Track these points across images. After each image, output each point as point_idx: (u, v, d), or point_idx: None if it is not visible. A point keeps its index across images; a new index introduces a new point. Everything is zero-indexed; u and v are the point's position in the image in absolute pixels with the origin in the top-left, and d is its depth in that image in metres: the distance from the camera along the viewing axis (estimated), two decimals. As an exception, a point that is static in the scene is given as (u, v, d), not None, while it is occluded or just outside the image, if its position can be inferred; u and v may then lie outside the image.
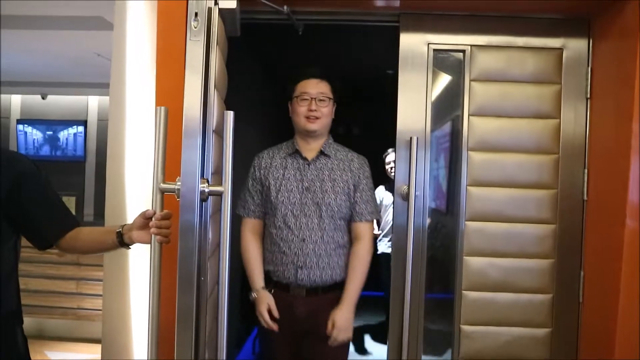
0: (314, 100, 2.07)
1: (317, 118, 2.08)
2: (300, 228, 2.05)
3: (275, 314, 2.02)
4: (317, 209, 2.05)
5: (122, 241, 1.56)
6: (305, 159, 2.13)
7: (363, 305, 2.29)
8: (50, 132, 5.63)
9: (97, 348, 2.20)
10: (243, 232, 2.15)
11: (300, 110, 2.09)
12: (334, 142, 2.21)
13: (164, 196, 1.47)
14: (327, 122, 2.13)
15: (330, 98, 2.11)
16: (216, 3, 1.56)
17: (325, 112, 2.10)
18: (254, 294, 2.06)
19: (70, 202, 5.37)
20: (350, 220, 2.13)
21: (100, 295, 4.06)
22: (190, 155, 1.45)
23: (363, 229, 2.12)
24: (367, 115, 6.15)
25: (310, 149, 2.15)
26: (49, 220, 1.59)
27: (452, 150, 2.29)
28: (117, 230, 1.56)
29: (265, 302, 2.03)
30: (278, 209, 2.07)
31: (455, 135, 2.23)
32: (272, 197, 2.08)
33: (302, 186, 2.08)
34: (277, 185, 2.09)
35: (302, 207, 2.06)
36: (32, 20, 3.54)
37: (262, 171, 2.14)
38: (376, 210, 2.18)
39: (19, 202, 1.51)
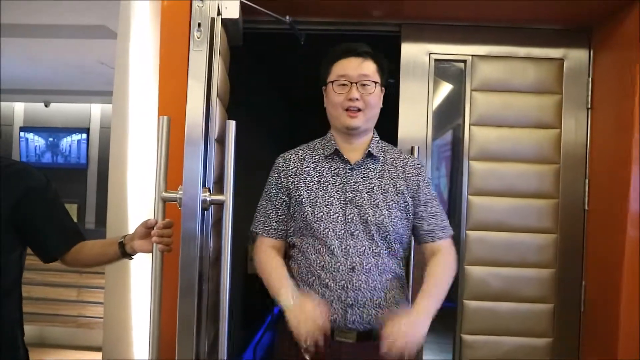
0: (356, 86, 1.57)
1: (359, 110, 1.58)
2: (347, 253, 1.54)
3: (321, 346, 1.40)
4: (365, 228, 1.56)
5: (125, 252, 1.56)
6: (347, 161, 1.63)
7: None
8: (53, 140, 5.65)
9: (98, 356, 2.20)
10: (260, 249, 1.68)
11: (338, 99, 1.59)
12: (381, 140, 1.71)
13: (166, 205, 1.47)
14: (374, 114, 1.63)
15: (376, 82, 1.59)
16: (219, 13, 1.58)
17: (372, 101, 1.59)
18: (290, 300, 1.46)
19: (72, 209, 5.37)
20: (420, 243, 1.66)
21: (101, 303, 4.05)
22: (192, 164, 1.46)
23: (441, 248, 1.61)
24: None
25: (352, 149, 1.65)
26: (55, 235, 1.59)
27: (453, 159, 2.30)
28: (119, 241, 1.56)
29: (318, 321, 1.39)
30: (315, 228, 1.57)
31: (456, 144, 2.24)
32: (305, 212, 1.59)
33: (345, 197, 1.59)
34: (312, 197, 1.60)
35: (346, 225, 1.56)
36: (36, 29, 3.56)
37: (289, 177, 1.65)
38: (448, 225, 1.67)
39: (26, 215, 1.51)
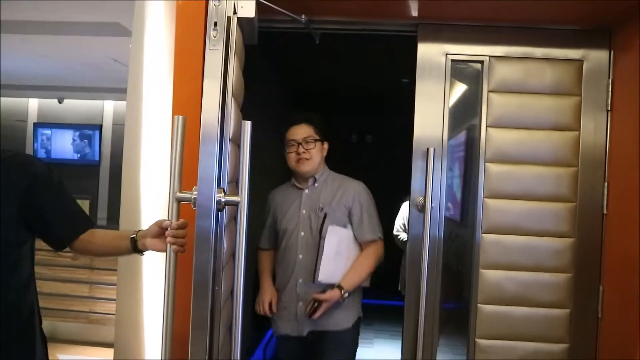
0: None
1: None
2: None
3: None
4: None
5: (136, 247, 1.56)
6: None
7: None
8: (66, 135, 5.69)
9: (109, 352, 2.21)
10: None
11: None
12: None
13: (180, 205, 1.46)
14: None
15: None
16: (235, 12, 1.57)
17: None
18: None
19: (84, 205, 5.38)
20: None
21: (113, 300, 4.08)
22: (208, 165, 1.45)
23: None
24: (381, 123, 6.14)
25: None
26: (64, 221, 1.60)
27: (468, 161, 2.27)
28: (132, 236, 1.56)
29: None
30: None
31: (471, 145, 2.21)
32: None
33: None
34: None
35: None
36: (50, 26, 3.58)
37: None
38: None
39: (33, 204, 1.52)
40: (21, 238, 1.53)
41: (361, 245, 2.36)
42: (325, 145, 2.41)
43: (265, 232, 2.51)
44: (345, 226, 2.32)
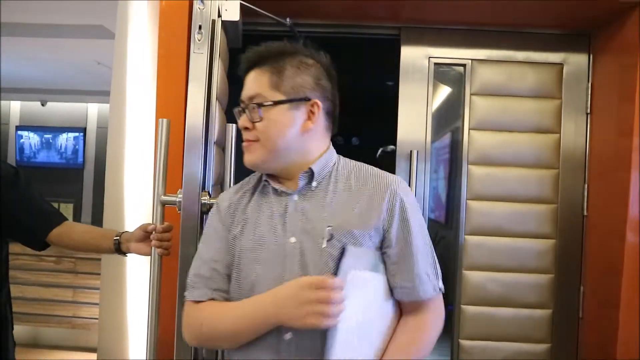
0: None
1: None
2: None
3: None
4: None
5: (119, 248, 1.56)
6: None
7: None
8: (49, 139, 5.62)
9: (92, 357, 2.19)
10: None
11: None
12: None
13: (165, 208, 1.46)
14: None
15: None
16: (219, 15, 1.57)
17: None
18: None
19: (67, 209, 5.35)
20: None
21: (96, 304, 4.04)
22: (192, 168, 1.45)
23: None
24: (366, 125, 6.16)
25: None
26: (34, 218, 1.62)
27: (452, 163, 2.29)
28: (115, 238, 1.56)
29: None
30: None
31: (455, 148, 2.23)
32: None
33: None
34: None
35: None
36: (33, 28, 3.55)
37: None
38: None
39: (2, 205, 1.53)
40: None
41: (399, 303, 1.20)
42: (313, 109, 1.17)
43: (204, 271, 1.18)
44: (375, 268, 1.16)
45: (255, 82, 1.17)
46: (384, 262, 1.17)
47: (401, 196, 1.16)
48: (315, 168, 1.17)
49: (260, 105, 1.14)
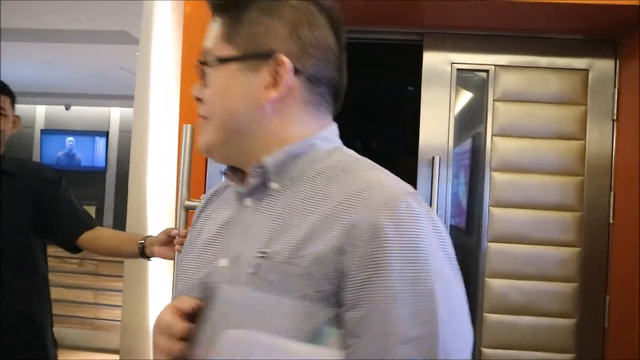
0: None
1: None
2: None
3: None
4: None
5: (143, 252, 1.59)
6: None
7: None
8: (73, 142, 5.72)
9: (113, 357, 2.21)
10: None
11: None
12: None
13: (188, 212, 1.47)
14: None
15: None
16: (243, 21, 1.58)
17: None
18: None
19: (90, 211, 5.38)
20: None
21: (118, 306, 4.08)
22: (216, 172, 1.46)
23: None
24: (385, 129, 6.14)
25: None
26: (69, 219, 1.73)
27: (473, 169, 2.27)
28: (140, 242, 1.59)
29: None
30: None
31: (477, 154, 2.21)
32: None
33: None
34: None
35: None
36: (57, 34, 3.62)
37: None
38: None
39: (46, 206, 1.64)
40: (37, 241, 1.61)
41: None
42: (278, 69, 0.74)
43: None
44: (312, 337, 0.64)
45: (209, 34, 0.81)
46: (341, 322, 0.65)
47: (382, 226, 0.64)
48: (270, 162, 0.74)
49: (203, 64, 0.79)
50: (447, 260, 0.70)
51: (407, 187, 0.71)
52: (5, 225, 1.55)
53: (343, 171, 0.73)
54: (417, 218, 0.66)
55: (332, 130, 0.81)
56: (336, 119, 0.82)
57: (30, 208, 1.61)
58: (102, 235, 1.71)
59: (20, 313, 1.58)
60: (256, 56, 0.74)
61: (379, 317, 0.62)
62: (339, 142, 0.82)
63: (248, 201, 0.78)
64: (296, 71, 0.74)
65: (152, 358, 0.72)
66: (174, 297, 0.89)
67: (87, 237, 1.68)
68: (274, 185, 0.75)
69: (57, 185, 1.71)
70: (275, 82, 0.73)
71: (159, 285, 2.00)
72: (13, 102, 1.74)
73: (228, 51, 0.76)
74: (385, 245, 0.63)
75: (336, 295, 0.64)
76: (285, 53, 0.73)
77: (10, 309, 1.55)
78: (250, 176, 0.76)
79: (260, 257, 0.68)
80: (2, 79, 1.77)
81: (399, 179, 0.72)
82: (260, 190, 0.76)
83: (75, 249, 1.73)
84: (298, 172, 0.75)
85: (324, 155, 0.76)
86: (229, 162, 0.83)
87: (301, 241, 0.67)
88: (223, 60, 0.76)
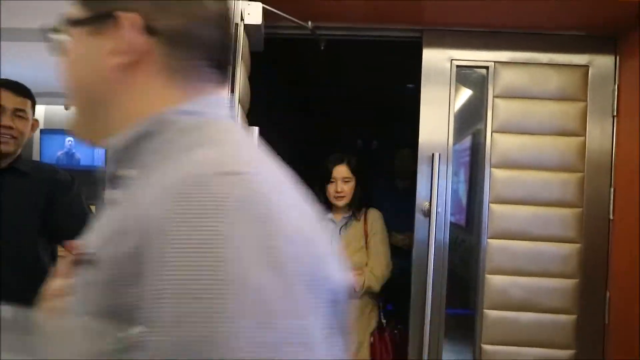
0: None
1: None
2: None
3: None
4: None
5: None
6: None
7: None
8: (72, 142, 5.72)
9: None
10: None
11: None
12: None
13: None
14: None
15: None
16: (242, 19, 1.58)
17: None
18: None
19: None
20: None
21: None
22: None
23: None
24: (386, 128, 6.14)
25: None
26: (77, 222, 1.69)
27: (473, 166, 2.27)
28: None
29: None
30: None
31: (477, 150, 2.21)
32: None
33: None
34: None
35: None
36: (58, 33, 3.61)
37: None
38: None
39: (55, 209, 1.64)
40: (45, 243, 1.61)
41: None
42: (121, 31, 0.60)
43: None
44: None
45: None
46: None
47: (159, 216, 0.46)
48: (114, 143, 0.62)
49: (55, 31, 0.70)
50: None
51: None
52: (15, 224, 1.55)
53: (176, 151, 0.57)
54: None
55: (206, 101, 0.63)
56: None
57: (41, 209, 1.60)
58: None
59: None
60: (98, 17, 0.62)
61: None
62: (213, 114, 0.63)
63: (108, 192, 0.64)
64: (151, 32, 0.60)
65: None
66: None
67: None
68: (130, 172, 0.60)
69: (70, 187, 1.72)
70: (119, 46, 0.60)
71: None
72: (33, 105, 1.76)
73: (78, 14, 0.64)
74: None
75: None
76: (135, 11, 0.60)
77: None
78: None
79: (91, 253, 0.55)
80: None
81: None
82: (117, 178, 0.62)
83: None
84: (154, 154, 0.59)
85: (183, 134, 0.59)
86: (98, 145, 0.69)
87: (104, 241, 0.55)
88: (71, 23, 0.65)
